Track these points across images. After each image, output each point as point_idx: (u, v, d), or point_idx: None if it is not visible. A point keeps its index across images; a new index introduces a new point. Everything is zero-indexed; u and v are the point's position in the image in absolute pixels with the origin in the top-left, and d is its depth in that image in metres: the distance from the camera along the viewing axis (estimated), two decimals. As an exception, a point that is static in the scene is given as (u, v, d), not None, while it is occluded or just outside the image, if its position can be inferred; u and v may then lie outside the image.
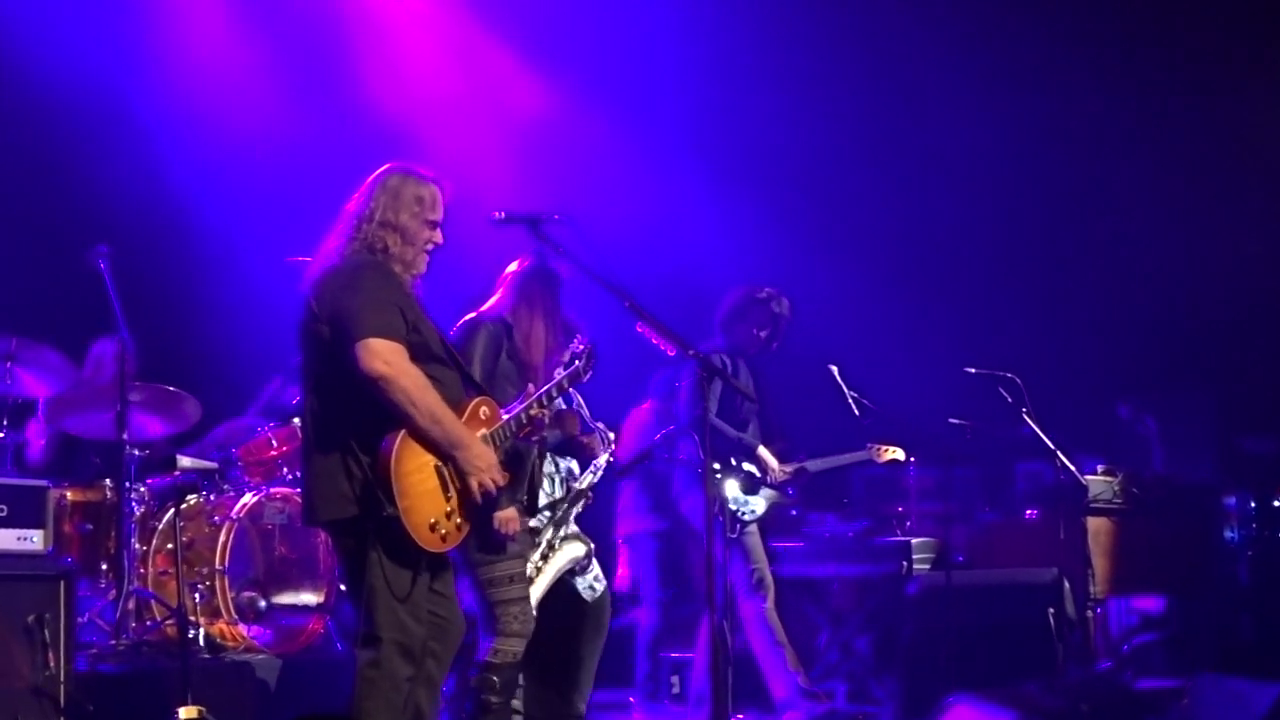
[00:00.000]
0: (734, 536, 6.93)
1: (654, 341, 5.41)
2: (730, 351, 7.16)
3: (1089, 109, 9.82)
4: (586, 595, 5.73)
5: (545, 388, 5.10)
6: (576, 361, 5.22)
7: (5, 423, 6.79)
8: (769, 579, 7.18)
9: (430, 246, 4.76)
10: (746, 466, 7.18)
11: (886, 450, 7.61)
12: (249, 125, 8.84)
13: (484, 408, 4.80)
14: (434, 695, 4.79)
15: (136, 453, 6.84)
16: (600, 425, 5.87)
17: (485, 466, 4.62)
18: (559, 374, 5.19)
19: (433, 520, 4.50)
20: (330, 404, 4.56)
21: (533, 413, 5.01)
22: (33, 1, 8.25)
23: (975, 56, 9.73)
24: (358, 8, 9.33)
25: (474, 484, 4.59)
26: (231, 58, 8.88)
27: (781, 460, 7.31)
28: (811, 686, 7.16)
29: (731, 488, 7.00)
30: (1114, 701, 6.53)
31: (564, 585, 5.71)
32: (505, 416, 4.89)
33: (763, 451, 7.24)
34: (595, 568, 5.82)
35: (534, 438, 5.19)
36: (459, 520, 4.60)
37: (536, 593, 5.53)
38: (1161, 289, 9.64)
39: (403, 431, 4.45)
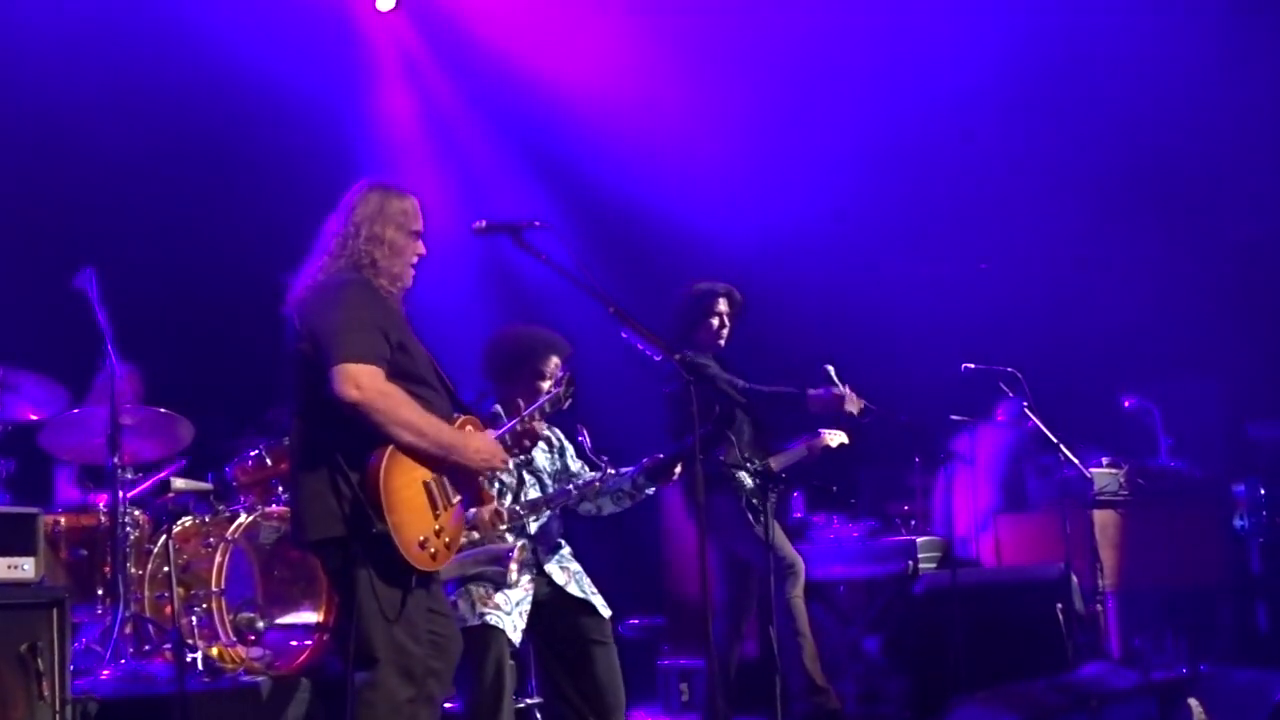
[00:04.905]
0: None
1: (639, 347, 5.38)
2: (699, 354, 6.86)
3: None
4: (604, 612, 5.74)
5: (528, 410, 5.11)
6: (556, 389, 5.29)
7: (-5, 450, 6.77)
8: (798, 565, 7.00)
9: (415, 259, 4.75)
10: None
11: (832, 435, 7.31)
12: (244, 144, 8.81)
13: (469, 427, 4.78)
14: (434, 713, 4.76)
15: (130, 476, 6.80)
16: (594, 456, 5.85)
17: (488, 455, 4.67)
18: (541, 399, 5.25)
19: (422, 538, 4.45)
20: (316, 423, 4.50)
21: (517, 431, 5.03)
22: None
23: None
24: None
25: (483, 474, 4.67)
26: (225, 75, 8.83)
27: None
28: (826, 684, 7.01)
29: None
30: (1124, 695, 6.45)
31: (571, 604, 5.70)
32: (492, 436, 4.88)
33: None
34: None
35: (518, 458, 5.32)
36: (448, 539, 4.55)
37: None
38: (1163, 277, 9.56)
39: (390, 447, 4.40)
